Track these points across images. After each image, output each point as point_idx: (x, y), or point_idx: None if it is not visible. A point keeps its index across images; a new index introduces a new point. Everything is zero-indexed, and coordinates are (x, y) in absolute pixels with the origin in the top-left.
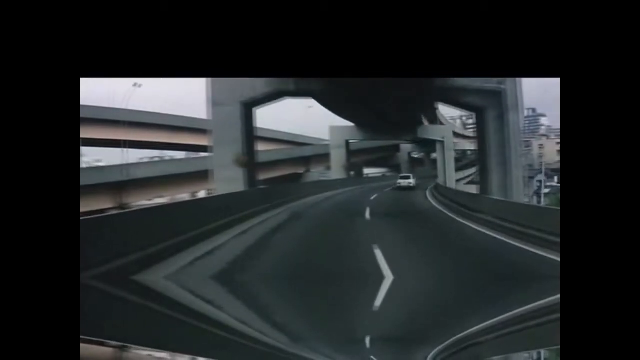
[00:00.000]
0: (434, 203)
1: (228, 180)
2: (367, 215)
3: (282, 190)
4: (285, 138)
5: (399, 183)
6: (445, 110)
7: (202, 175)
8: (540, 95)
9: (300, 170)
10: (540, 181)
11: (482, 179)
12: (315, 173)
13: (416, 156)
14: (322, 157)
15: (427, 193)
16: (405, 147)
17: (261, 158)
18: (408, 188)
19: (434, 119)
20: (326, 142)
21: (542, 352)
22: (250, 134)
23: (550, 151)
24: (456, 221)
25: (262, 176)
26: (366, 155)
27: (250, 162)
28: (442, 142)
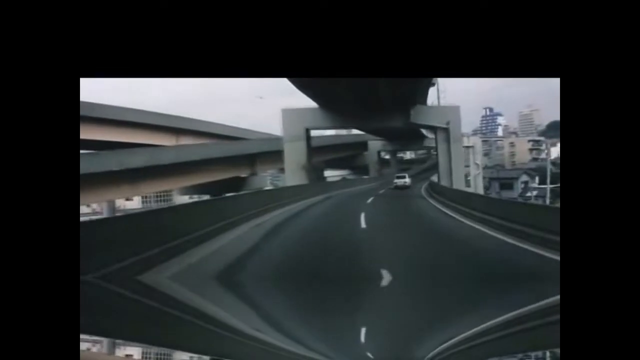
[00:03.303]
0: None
1: None
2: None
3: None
4: (223, 132)
5: (396, 182)
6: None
7: None
8: (496, 96)
9: (243, 173)
10: (525, 182)
11: None
12: (265, 177)
13: (386, 156)
14: (274, 155)
15: (447, 209)
16: (375, 145)
17: (179, 156)
18: (404, 187)
19: (424, 100)
20: (276, 136)
21: (542, 353)
22: None
23: (522, 150)
24: None
25: (182, 183)
26: (326, 154)
27: None
28: (445, 129)
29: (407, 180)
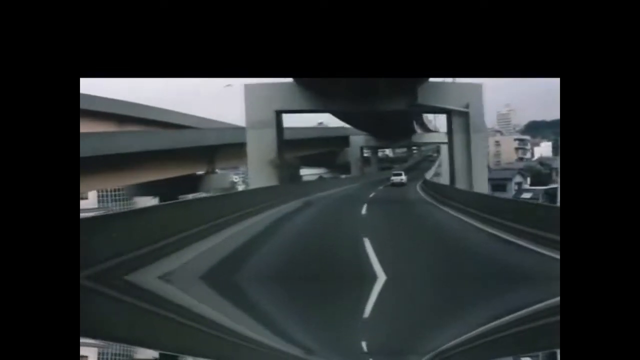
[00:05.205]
0: None
1: None
2: None
3: None
4: (178, 121)
5: (393, 180)
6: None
7: None
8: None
9: (200, 170)
10: (519, 183)
11: None
12: (227, 174)
13: (366, 154)
14: (239, 148)
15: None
16: (357, 140)
17: (106, 147)
18: (401, 184)
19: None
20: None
21: (543, 354)
22: None
23: (507, 150)
24: None
25: (118, 182)
26: (301, 149)
27: None
28: (464, 113)
29: (404, 177)
